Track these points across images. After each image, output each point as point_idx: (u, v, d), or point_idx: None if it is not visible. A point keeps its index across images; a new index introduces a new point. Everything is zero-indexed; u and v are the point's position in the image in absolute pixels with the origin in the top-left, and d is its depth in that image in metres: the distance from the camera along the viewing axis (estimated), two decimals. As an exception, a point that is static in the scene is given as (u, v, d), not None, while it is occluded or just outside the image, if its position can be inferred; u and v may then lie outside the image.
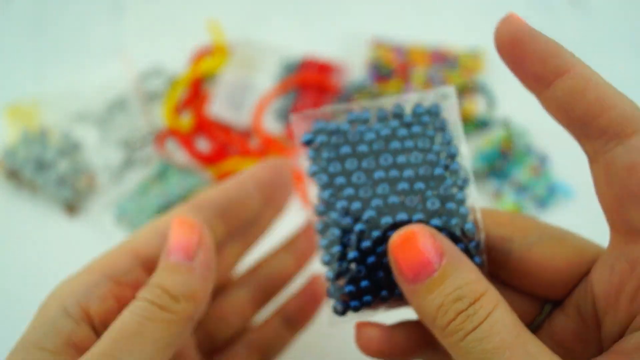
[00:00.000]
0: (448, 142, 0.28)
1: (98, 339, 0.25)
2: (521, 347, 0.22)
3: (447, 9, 0.70)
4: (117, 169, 0.56)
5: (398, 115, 0.28)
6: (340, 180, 0.27)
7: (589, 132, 0.25)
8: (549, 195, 0.54)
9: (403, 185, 0.27)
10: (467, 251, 0.27)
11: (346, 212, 0.27)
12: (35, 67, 0.64)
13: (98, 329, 0.27)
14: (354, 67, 0.63)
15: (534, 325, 0.28)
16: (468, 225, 0.27)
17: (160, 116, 0.60)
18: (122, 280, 0.28)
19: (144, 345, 0.24)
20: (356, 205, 0.27)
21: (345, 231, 0.27)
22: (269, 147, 0.57)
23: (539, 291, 0.28)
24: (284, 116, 0.59)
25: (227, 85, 0.60)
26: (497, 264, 0.28)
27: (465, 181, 0.28)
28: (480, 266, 0.27)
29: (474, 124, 0.57)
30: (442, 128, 0.28)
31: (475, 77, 0.61)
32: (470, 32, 0.68)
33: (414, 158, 0.27)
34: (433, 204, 0.27)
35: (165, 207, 0.52)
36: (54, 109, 0.57)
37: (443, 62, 0.62)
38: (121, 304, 0.27)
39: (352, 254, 0.26)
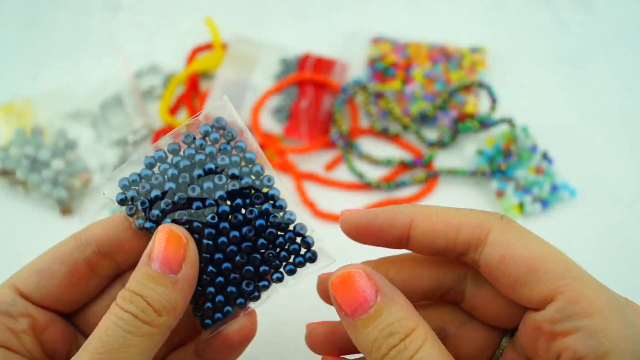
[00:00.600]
0: (243, 149, 0.32)
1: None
2: None
3: (448, 7, 0.70)
4: (113, 168, 0.55)
5: (190, 142, 0.31)
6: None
7: (456, 253, 0.29)
8: (551, 195, 0.54)
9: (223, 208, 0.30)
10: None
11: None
12: (29, 65, 0.63)
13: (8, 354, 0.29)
14: (354, 64, 0.63)
15: (495, 357, 0.32)
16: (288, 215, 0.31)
17: (156, 114, 0.59)
18: (10, 312, 0.30)
19: (130, 358, 0.26)
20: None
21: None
22: (267, 145, 0.56)
23: (494, 324, 0.32)
24: (282, 114, 0.58)
25: (224, 83, 0.59)
26: (457, 296, 0.32)
27: (270, 179, 0.31)
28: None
29: (477, 123, 0.57)
30: (233, 137, 0.32)
31: (478, 76, 0.60)
32: (471, 30, 0.67)
33: (217, 179, 0.31)
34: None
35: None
36: (48, 108, 0.56)
37: (444, 60, 0.61)
38: (15, 333, 0.29)
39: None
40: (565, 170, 0.56)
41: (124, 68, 0.60)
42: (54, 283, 0.31)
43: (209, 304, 0.31)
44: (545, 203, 0.53)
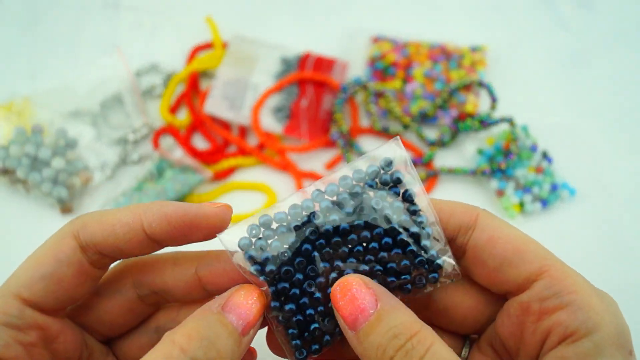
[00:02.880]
0: (414, 212, 0.30)
1: None
2: None
3: (448, 6, 0.70)
4: (113, 167, 0.55)
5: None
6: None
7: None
8: (551, 194, 0.54)
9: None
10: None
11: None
12: (29, 64, 0.63)
13: None
14: (354, 64, 0.63)
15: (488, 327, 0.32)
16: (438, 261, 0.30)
17: (156, 113, 0.59)
18: (18, 325, 0.27)
19: None
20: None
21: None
22: (267, 144, 0.56)
23: (457, 329, 0.32)
24: (282, 113, 0.58)
25: (224, 82, 0.59)
26: (421, 304, 0.32)
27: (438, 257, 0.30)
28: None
29: (477, 122, 0.57)
30: (409, 199, 0.30)
31: (478, 75, 0.60)
32: (472, 30, 0.67)
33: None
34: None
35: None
36: (48, 107, 0.56)
37: (445, 59, 0.62)
38: (25, 347, 0.27)
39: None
40: (565, 170, 0.56)
41: (124, 67, 0.60)
42: (62, 287, 0.28)
43: (307, 335, 0.29)
44: (545, 202, 0.53)
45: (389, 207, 0.29)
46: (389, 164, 0.30)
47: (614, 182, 0.56)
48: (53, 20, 0.66)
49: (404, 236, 0.29)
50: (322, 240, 0.29)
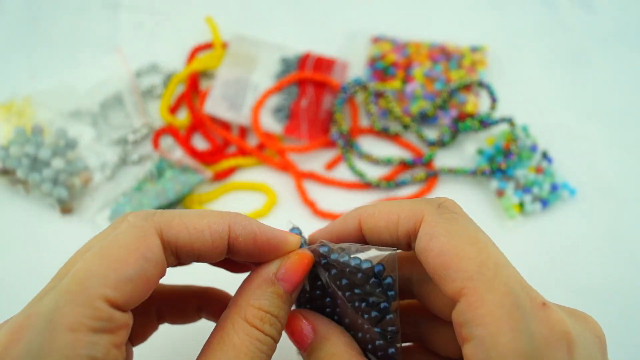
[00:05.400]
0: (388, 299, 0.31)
1: None
2: None
3: (448, 6, 0.70)
4: (113, 167, 0.55)
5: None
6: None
7: (403, 246, 0.31)
8: (551, 194, 0.54)
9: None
10: None
11: None
12: (29, 64, 0.63)
13: None
14: (354, 64, 0.63)
15: None
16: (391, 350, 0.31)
17: (156, 113, 0.59)
18: (111, 329, 0.25)
19: None
20: None
21: None
22: (267, 144, 0.56)
23: (447, 354, 0.33)
24: (282, 113, 0.58)
25: (224, 82, 0.59)
26: (408, 295, 0.33)
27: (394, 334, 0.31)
28: None
29: (477, 122, 0.57)
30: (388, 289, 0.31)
31: (478, 75, 0.60)
32: (472, 30, 0.67)
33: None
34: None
35: (162, 207, 0.51)
36: (48, 107, 0.56)
37: (444, 59, 0.61)
38: (119, 348, 0.25)
39: None
40: (565, 170, 0.56)
41: (124, 67, 0.60)
42: (148, 287, 0.26)
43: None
44: (545, 202, 0.53)
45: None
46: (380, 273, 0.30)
47: (614, 182, 0.56)
48: (53, 20, 0.66)
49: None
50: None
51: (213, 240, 0.28)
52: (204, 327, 0.38)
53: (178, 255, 0.28)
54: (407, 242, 0.29)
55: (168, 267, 0.28)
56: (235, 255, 0.30)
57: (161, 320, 0.35)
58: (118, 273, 0.25)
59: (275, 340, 0.29)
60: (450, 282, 0.26)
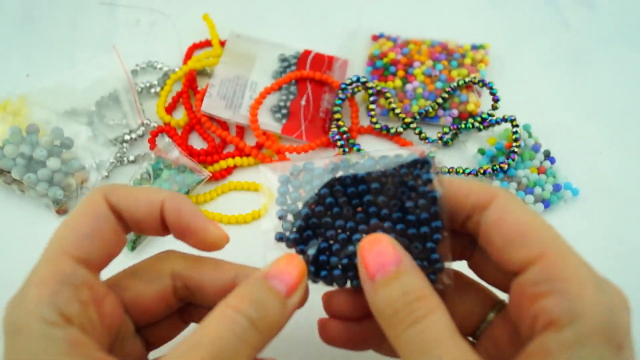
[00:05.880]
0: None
1: (86, 336, 0.27)
2: (454, 346, 0.26)
3: (449, 4, 0.69)
4: (109, 167, 0.54)
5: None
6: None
7: (463, 216, 0.32)
8: (553, 194, 0.53)
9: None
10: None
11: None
12: (24, 63, 0.62)
13: (83, 328, 0.27)
14: (354, 62, 0.62)
15: (481, 328, 0.34)
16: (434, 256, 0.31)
17: (153, 112, 0.59)
18: (74, 283, 0.28)
19: None
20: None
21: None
22: (266, 144, 0.55)
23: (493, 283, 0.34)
24: (281, 112, 0.57)
25: (221, 81, 0.58)
26: (472, 232, 0.33)
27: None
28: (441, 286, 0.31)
29: (478, 122, 0.56)
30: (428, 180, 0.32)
31: (479, 74, 0.60)
32: (473, 28, 0.67)
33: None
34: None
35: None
36: (43, 106, 0.55)
37: (446, 57, 0.61)
38: (82, 305, 0.27)
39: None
40: (567, 170, 0.56)
41: (121, 65, 0.59)
42: (104, 243, 0.29)
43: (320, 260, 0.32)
44: (547, 203, 0.53)
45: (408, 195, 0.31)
46: (425, 163, 0.31)
47: (618, 183, 0.55)
48: (49, 19, 0.66)
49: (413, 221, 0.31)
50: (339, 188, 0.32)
51: (145, 208, 0.31)
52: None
53: (123, 220, 0.31)
54: (469, 213, 0.31)
55: (123, 233, 0.31)
56: (170, 230, 0.32)
57: (188, 320, 0.36)
58: (75, 232, 0.29)
59: (254, 325, 0.27)
60: (526, 248, 0.28)
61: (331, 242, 0.32)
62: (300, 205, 0.33)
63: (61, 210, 0.52)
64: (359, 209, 0.32)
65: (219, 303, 0.28)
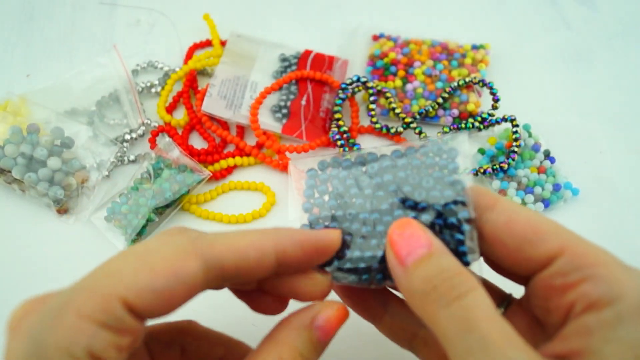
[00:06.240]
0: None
1: None
2: (499, 324, 0.25)
3: (450, 4, 0.69)
4: (109, 167, 0.54)
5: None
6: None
7: None
8: (553, 194, 0.53)
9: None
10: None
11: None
12: (24, 62, 0.62)
13: None
14: (354, 62, 0.62)
15: None
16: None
17: (153, 112, 0.59)
18: (117, 328, 0.25)
19: None
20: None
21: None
22: (266, 143, 0.55)
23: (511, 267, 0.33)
24: (281, 112, 0.57)
25: (222, 81, 0.59)
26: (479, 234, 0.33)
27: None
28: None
29: (478, 121, 0.56)
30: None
31: (480, 74, 0.60)
32: (474, 28, 0.67)
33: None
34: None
35: (159, 208, 0.50)
36: (44, 106, 0.55)
37: (446, 57, 0.61)
38: (118, 350, 0.25)
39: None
40: (567, 170, 0.56)
41: (121, 65, 0.59)
42: (170, 303, 0.26)
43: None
44: (547, 202, 0.53)
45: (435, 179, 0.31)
46: (453, 151, 0.31)
47: (618, 182, 0.55)
48: (49, 18, 0.66)
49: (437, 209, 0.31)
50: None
51: (258, 257, 0.28)
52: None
53: (224, 277, 0.28)
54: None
55: (213, 289, 0.28)
56: (284, 268, 0.30)
57: None
58: (144, 280, 0.25)
59: None
60: (546, 243, 0.28)
61: (355, 235, 0.31)
62: (327, 198, 0.33)
63: (62, 210, 0.52)
64: (385, 200, 0.32)
65: (267, 345, 0.29)
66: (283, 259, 0.29)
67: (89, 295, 0.25)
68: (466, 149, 0.32)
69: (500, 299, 0.34)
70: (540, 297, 0.29)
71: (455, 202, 0.30)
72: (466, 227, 0.30)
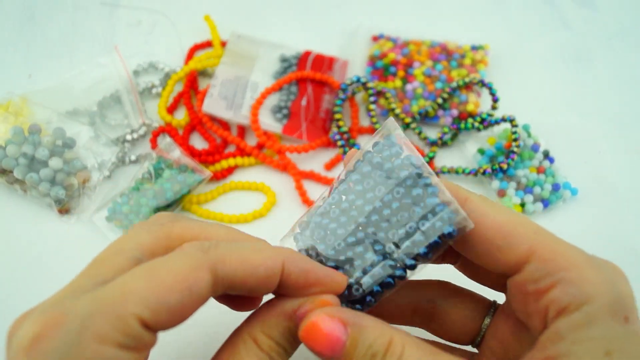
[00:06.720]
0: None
1: None
2: None
3: (449, 4, 0.69)
4: (111, 167, 0.54)
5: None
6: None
7: None
8: (553, 194, 0.53)
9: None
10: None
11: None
12: (26, 63, 0.62)
13: None
14: (354, 62, 0.62)
15: (482, 332, 0.34)
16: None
17: (154, 113, 0.59)
18: (136, 347, 0.26)
19: None
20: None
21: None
22: (266, 144, 0.56)
23: (457, 338, 0.35)
24: (282, 113, 0.57)
25: (222, 81, 0.59)
26: (424, 317, 0.35)
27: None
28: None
29: (478, 122, 0.56)
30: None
31: (479, 74, 0.60)
32: (473, 28, 0.67)
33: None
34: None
35: (160, 208, 0.51)
36: (45, 106, 0.55)
37: (445, 58, 0.61)
38: None
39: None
40: (566, 170, 0.56)
41: (122, 66, 0.59)
42: (184, 316, 0.27)
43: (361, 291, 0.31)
44: (546, 202, 0.53)
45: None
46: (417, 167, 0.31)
47: (617, 182, 0.55)
48: (50, 19, 0.66)
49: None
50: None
51: (267, 275, 0.28)
52: (214, 332, 0.38)
53: (229, 288, 0.28)
54: None
55: (212, 296, 0.29)
56: (282, 290, 0.30)
57: None
58: (159, 298, 0.25)
59: None
60: (513, 248, 0.28)
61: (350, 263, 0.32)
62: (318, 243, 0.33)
63: (63, 210, 0.52)
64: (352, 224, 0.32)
65: (243, 333, 0.29)
66: (286, 281, 0.29)
67: (106, 318, 0.25)
68: (397, 126, 0.32)
69: (486, 308, 0.35)
70: (519, 302, 0.29)
71: (409, 171, 0.30)
72: (427, 180, 0.30)
